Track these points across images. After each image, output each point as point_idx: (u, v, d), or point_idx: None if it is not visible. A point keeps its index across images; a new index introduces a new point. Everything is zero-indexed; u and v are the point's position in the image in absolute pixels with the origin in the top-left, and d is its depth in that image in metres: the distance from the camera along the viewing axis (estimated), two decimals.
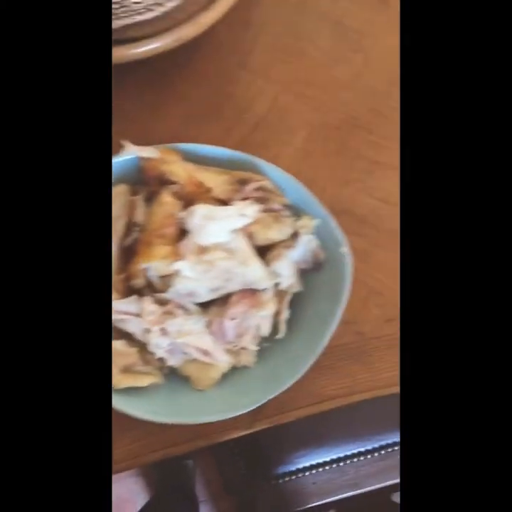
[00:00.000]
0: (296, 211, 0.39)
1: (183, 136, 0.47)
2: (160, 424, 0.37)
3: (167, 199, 0.36)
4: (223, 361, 0.38)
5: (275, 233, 0.37)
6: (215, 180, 0.37)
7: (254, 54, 0.51)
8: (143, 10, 0.42)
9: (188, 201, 0.36)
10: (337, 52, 0.51)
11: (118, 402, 0.36)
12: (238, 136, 0.47)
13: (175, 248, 0.35)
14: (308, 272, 0.39)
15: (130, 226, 0.37)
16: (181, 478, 0.77)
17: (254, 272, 0.36)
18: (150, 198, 0.38)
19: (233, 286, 0.36)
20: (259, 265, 0.36)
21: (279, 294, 0.38)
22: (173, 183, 0.37)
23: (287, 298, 0.38)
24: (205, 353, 0.37)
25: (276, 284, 0.38)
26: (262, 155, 0.41)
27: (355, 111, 0.49)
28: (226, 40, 0.51)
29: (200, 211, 0.35)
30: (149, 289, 0.36)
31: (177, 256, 0.35)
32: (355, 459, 0.75)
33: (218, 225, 0.34)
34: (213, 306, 0.37)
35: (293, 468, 0.73)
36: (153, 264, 0.35)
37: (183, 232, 0.36)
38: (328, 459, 0.76)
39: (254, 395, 0.37)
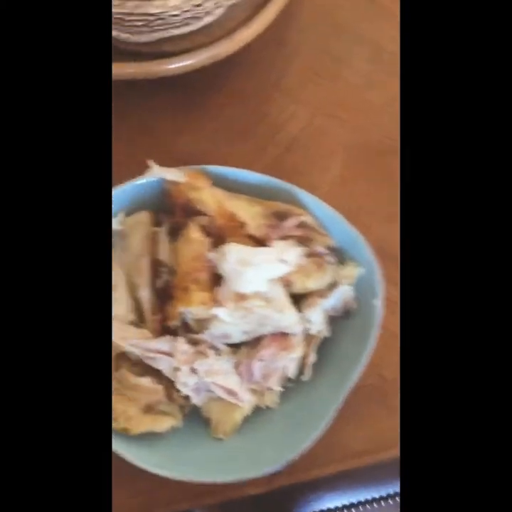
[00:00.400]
0: (339, 254, 0.38)
1: (212, 156, 0.45)
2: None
3: (193, 236, 0.35)
4: (247, 401, 0.37)
5: (314, 283, 0.36)
6: (248, 212, 0.35)
7: (288, 74, 0.50)
8: (180, 24, 0.41)
9: (218, 237, 0.35)
10: (373, 75, 0.50)
11: (125, 450, 0.35)
12: (270, 158, 0.46)
13: (212, 294, 0.34)
14: (337, 319, 0.39)
15: (156, 265, 0.37)
16: None
17: (288, 318, 0.36)
18: (174, 232, 0.37)
19: (265, 330, 0.36)
20: (294, 312, 0.36)
21: (308, 338, 0.38)
22: (200, 213, 0.35)
23: (315, 342, 0.38)
24: (231, 392, 0.37)
25: (306, 329, 0.38)
26: (296, 180, 0.39)
27: (393, 135, 0.47)
28: (260, 59, 0.50)
29: (234, 255, 0.33)
30: (183, 329, 0.36)
31: (215, 302, 0.34)
32: (375, 505, 0.71)
33: (255, 273, 0.33)
34: (243, 346, 0.37)
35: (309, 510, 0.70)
36: (192, 310, 0.35)
37: (216, 275, 0.35)
38: (339, 504, 0.72)
39: (276, 450, 0.36)
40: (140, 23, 0.41)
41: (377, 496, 0.67)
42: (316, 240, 0.36)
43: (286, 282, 0.35)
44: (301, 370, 0.39)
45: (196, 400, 0.37)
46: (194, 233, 0.35)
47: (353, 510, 0.68)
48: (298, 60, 0.50)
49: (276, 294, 0.35)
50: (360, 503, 0.68)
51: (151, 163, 0.36)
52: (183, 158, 0.40)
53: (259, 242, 0.35)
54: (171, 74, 0.44)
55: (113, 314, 0.36)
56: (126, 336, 0.36)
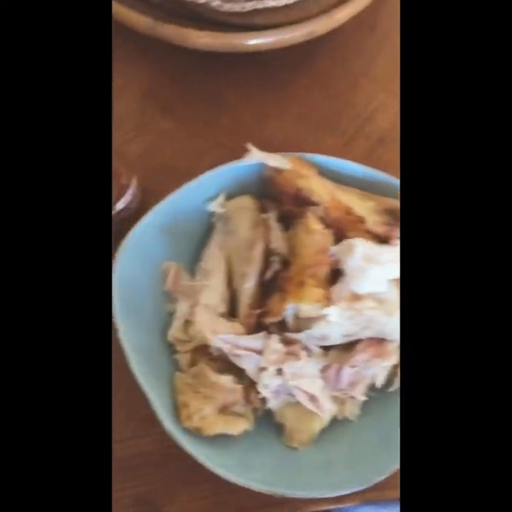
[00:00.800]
0: None
1: (295, 144, 0.43)
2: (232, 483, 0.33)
3: (316, 227, 0.32)
4: (327, 410, 0.35)
5: None
6: (362, 207, 0.33)
7: (377, 61, 0.47)
8: None
9: (337, 230, 0.33)
10: None
11: (196, 450, 0.32)
12: (360, 151, 0.43)
13: (327, 292, 0.32)
14: None
15: (267, 253, 0.34)
16: None
17: (395, 323, 0.33)
18: (284, 219, 0.34)
19: (366, 334, 0.34)
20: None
21: None
22: (312, 204, 0.33)
23: None
24: (312, 398, 0.35)
25: None
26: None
27: None
28: (350, 42, 0.48)
29: (361, 249, 0.31)
30: (277, 326, 0.34)
31: (329, 301, 0.32)
32: None
33: (378, 272, 0.31)
34: (334, 350, 0.35)
35: None
36: (303, 306, 0.32)
37: (334, 272, 0.33)
38: None
39: (355, 468, 0.34)
40: None
41: None
42: None
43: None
44: (389, 381, 0.37)
45: (273, 403, 0.35)
46: (315, 224, 0.32)
47: None
48: (388, 47, 0.48)
49: (392, 296, 0.33)
50: None
51: (250, 146, 0.34)
52: (262, 143, 0.37)
53: (379, 239, 0.33)
54: (260, 49, 0.41)
55: (203, 302, 0.34)
56: (216, 329, 0.33)
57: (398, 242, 0.32)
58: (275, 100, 0.45)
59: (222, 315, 0.35)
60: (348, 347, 0.35)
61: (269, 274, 0.34)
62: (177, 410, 0.34)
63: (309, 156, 0.36)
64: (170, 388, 0.35)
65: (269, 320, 0.34)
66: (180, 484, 0.35)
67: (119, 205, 0.37)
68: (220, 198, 0.35)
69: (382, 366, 0.36)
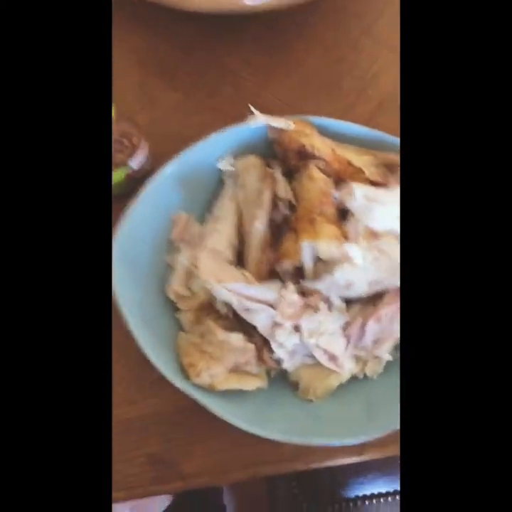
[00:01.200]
0: None
1: (297, 108, 0.43)
2: (249, 436, 0.33)
3: (318, 174, 0.33)
4: (347, 370, 0.34)
5: None
6: (361, 160, 0.34)
7: (381, 21, 0.47)
8: None
9: (338, 179, 0.34)
10: None
11: (211, 402, 0.32)
12: (361, 116, 0.44)
13: (342, 229, 0.31)
14: None
15: (275, 201, 0.34)
16: None
17: None
18: (289, 174, 0.35)
19: (393, 282, 0.32)
20: None
21: None
22: (316, 158, 0.34)
23: None
24: (332, 358, 0.33)
25: None
26: None
27: None
28: (351, 4, 0.47)
29: (360, 191, 0.31)
30: (294, 274, 0.32)
31: (346, 238, 0.31)
32: None
33: (384, 209, 0.31)
34: (357, 304, 0.34)
35: (351, 495, 0.70)
36: (320, 243, 0.31)
37: (342, 214, 0.33)
38: (390, 489, 0.72)
39: (374, 417, 0.33)
40: None
41: None
42: None
43: None
44: None
45: (288, 364, 0.33)
46: (317, 173, 0.33)
47: (397, 496, 0.67)
48: (391, 6, 0.48)
49: None
50: None
51: (254, 110, 0.35)
52: (266, 107, 0.38)
53: (380, 187, 0.33)
54: (258, 10, 0.41)
55: (209, 247, 0.32)
56: (222, 277, 0.31)
57: (397, 187, 0.33)
58: (276, 65, 0.46)
59: (230, 263, 0.33)
60: (373, 301, 0.33)
61: (278, 217, 0.34)
62: (184, 371, 0.33)
63: (310, 117, 0.37)
64: (173, 350, 0.34)
65: (285, 264, 0.32)
66: (196, 441, 0.36)
67: (133, 165, 0.38)
68: (228, 158, 0.36)
69: None
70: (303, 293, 0.32)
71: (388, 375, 0.35)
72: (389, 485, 0.67)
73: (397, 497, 0.68)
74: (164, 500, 0.82)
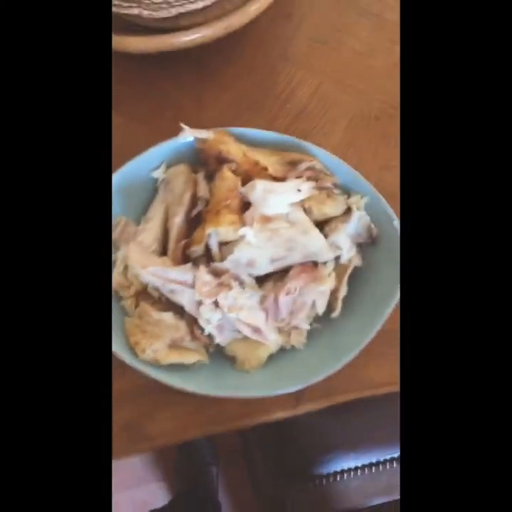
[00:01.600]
0: (345, 190, 0.44)
1: (228, 125, 0.51)
2: (202, 401, 0.39)
3: (228, 174, 0.41)
4: (272, 341, 0.39)
5: (330, 208, 0.42)
6: (268, 160, 0.42)
7: (295, 45, 0.56)
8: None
9: (246, 178, 0.42)
10: (376, 43, 0.57)
11: (160, 375, 0.38)
12: (281, 127, 0.52)
13: (241, 217, 0.40)
14: (365, 247, 0.42)
15: (195, 200, 0.42)
16: (204, 483, 0.80)
17: (315, 241, 0.39)
18: (210, 176, 0.43)
19: (294, 258, 0.39)
20: (320, 235, 0.40)
21: (339, 269, 0.41)
22: (230, 161, 0.42)
23: (347, 273, 0.41)
24: (256, 330, 0.38)
25: (337, 259, 0.40)
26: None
27: (393, 100, 0.54)
28: (269, 31, 0.57)
29: (260, 185, 0.40)
30: (205, 259, 0.40)
31: (243, 223, 0.39)
32: (388, 466, 0.76)
33: (278, 198, 0.39)
34: (269, 280, 0.40)
35: (324, 472, 0.74)
36: (220, 229, 0.38)
37: (245, 205, 0.41)
38: (360, 464, 0.76)
39: (300, 377, 0.39)
40: (159, 0, 0.47)
41: (388, 457, 0.72)
42: (323, 179, 0.43)
43: (305, 209, 0.41)
44: (330, 307, 0.40)
45: (220, 338, 0.38)
46: (227, 173, 0.41)
47: (366, 470, 0.72)
48: (303, 31, 0.57)
49: (299, 216, 0.39)
50: (376, 463, 0.74)
51: (183, 125, 0.43)
52: (201, 127, 0.46)
53: (279, 181, 0.41)
54: (188, 45, 0.50)
55: (137, 241, 0.38)
56: (146, 263, 0.37)
57: (293, 180, 0.41)
58: (209, 90, 0.54)
59: (155, 252, 0.40)
60: (283, 276, 0.39)
61: (194, 212, 0.41)
62: (132, 349, 0.38)
63: (230, 128, 0.45)
64: (123, 334, 0.39)
65: (193, 249, 0.39)
66: (158, 409, 0.41)
67: None
68: (162, 167, 0.44)
69: (319, 291, 0.38)
70: (215, 273, 0.38)
71: (313, 346, 0.40)
72: (358, 460, 0.72)
73: (367, 470, 0.74)
74: (163, 497, 0.87)
